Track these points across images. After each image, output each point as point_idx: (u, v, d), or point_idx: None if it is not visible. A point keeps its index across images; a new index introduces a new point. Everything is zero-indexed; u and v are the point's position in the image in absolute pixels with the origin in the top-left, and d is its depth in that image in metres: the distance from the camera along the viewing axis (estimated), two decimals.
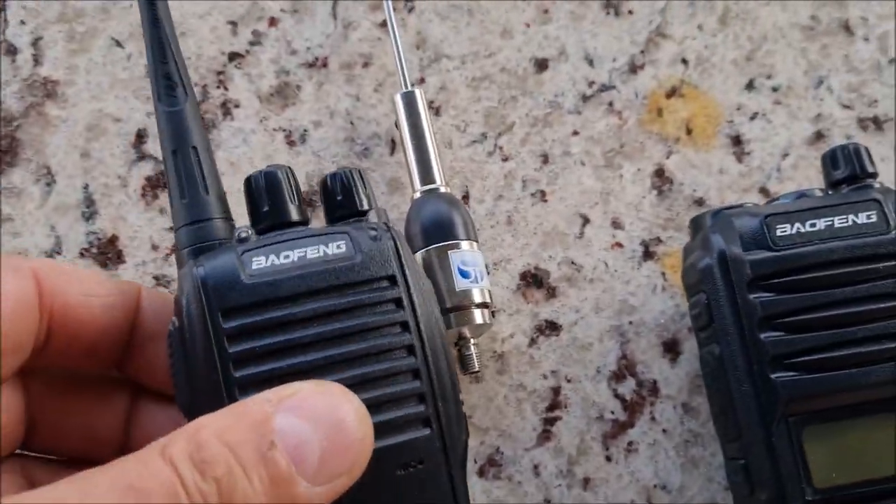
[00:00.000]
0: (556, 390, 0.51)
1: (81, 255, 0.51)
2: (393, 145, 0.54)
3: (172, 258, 0.52)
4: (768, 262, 0.44)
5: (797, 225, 0.45)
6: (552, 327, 0.52)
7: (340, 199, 0.41)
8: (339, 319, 0.37)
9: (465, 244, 0.48)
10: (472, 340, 0.48)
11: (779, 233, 0.45)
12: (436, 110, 0.54)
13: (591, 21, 0.56)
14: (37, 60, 0.53)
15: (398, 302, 0.38)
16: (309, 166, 0.53)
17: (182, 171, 0.40)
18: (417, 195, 0.49)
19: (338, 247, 0.38)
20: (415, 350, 0.37)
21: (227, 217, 0.41)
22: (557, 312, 0.52)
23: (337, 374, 0.36)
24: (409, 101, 0.51)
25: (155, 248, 0.52)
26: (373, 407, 0.35)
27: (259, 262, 0.37)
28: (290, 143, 0.53)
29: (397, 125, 0.51)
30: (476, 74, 0.55)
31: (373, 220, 0.40)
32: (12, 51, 0.53)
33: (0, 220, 0.51)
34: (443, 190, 0.49)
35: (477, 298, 0.47)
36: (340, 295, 0.37)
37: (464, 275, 0.47)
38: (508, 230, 0.53)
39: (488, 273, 0.52)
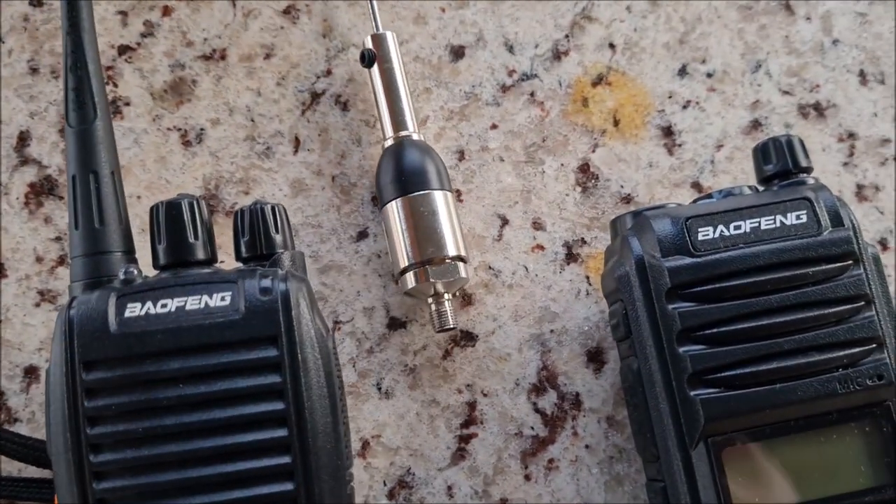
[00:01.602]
0: (472, 405, 0.47)
1: None
2: (297, 143, 0.50)
3: (59, 271, 0.48)
4: (688, 269, 0.41)
5: (720, 228, 0.41)
6: (468, 337, 0.48)
7: (247, 240, 0.38)
8: (206, 382, 0.35)
9: (438, 194, 0.45)
10: (446, 296, 0.45)
11: (700, 237, 0.41)
12: (343, 104, 0.50)
13: (511, 4, 0.52)
14: None
15: (275, 366, 0.35)
16: (206, 168, 0.49)
17: (79, 199, 0.38)
18: (389, 142, 0.47)
19: (221, 298, 0.36)
20: (288, 421, 0.34)
21: (128, 251, 0.38)
22: (473, 321, 0.49)
23: (197, 442, 0.34)
24: (380, 43, 0.48)
25: (39, 260, 0.48)
26: (234, 483, 0.33)
27: (133, 310, 0.35)
28: (186, 144, 0.50)
29: (367, 61, 0.48)
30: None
31: (283, 264, 0.38)
32: None
33: None
34: (415, 137, 0.47)
35: (451, 251, 0.45)
36: (211, 355, 0.35)
37: (437, 227, 0.45)
38: None
39: (396, 282, 0.49)
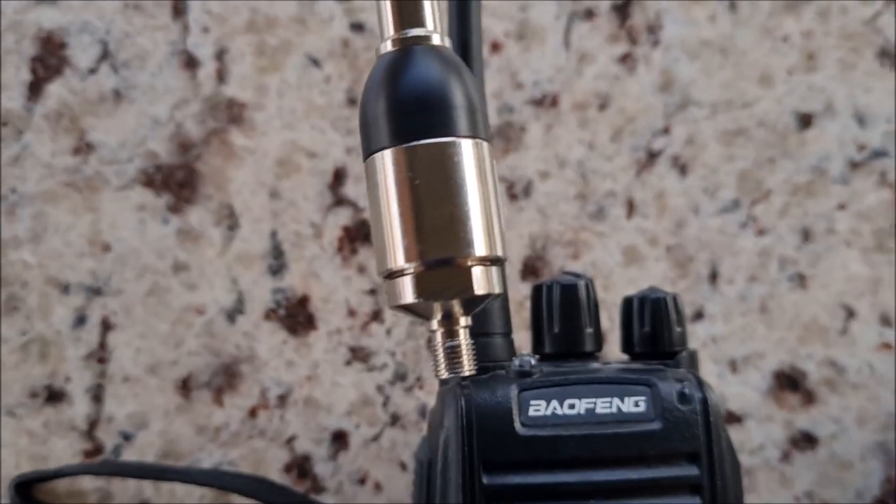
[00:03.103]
0: None
1: (267, 316, 0.44)
2: (630, 208, 0.45)
3: (372, 327, 0.44)
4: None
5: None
6: (808, 440, 0.44)
7: (648, 332, 0.34)
8: (617, 499, 0.31)
9: (466, 145, 0.26)
10: (461, 321, 0.27)
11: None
12: (681, 168, 0.46)
13: (863, 72, 0.47)
14: (221, 77, 0.45)
15: (695, 488, 0.31)
16: (532, 226, 0.45)
17: None
18: (387, 47, 0.27)
19: (635, 404, 0.32)
20: None
21: (507, 332, 0.34)
22: (815, 422, 0.44)
23: None
24: None
25: (352, 314, 0.44)
26: None
27: (538, 408, 0.31)
28: (512, 197, 0.45)
29: None
30: (729, 127, 0.46)
31: (681, 367, 0.34)
32: (192, 63, 0.45)
33: (174, 269, 0.43)
34: (436, 42, 0.27)
35: (481, 249, 0.26)
36: (626, 469, 0.31)
37: (459, 203, 0.26)
38: (762, 319, 0.45)
39: (733, 370, 0.45)
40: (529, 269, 0.45)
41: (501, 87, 0.46)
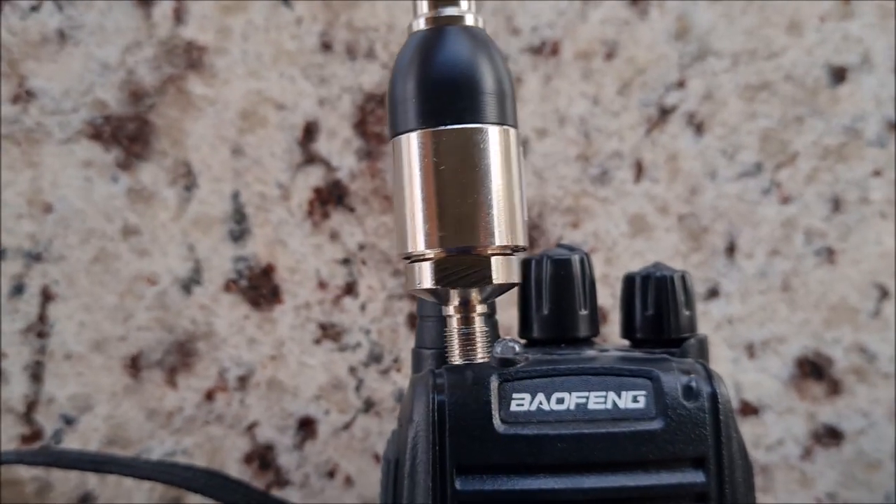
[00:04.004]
0: None
1: (227, 288, 0.39)
2: (638, 171, 0.40)
3: (343, 302, 0.39)
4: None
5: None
6: (832, 435, 0.39)
7: (651, 316, 0.30)
8: None
9: (493, 132, 0.25)
10: (478, 308, 0.27)
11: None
12: (697, 126, 0.40)
13: None
14: (178, 17, 0.39)
15: (700, 497, 0.27)
16: (529, 190, 0.40)
17: None
18: (420, 25, 0.26)
19: (634, 399, 0.28)
20: None
21: (490, 313, 0.29)
22: (841, 415, 0.39)
23: None
24: None
25: (322, 286, 0.39)
26: None
27: (521, 402, 0.28)
28: None
29: None
30: (751, 81, 0.41)
31: (688, 356, 0.30)
32: (147, 0, 0.39)
33: (123, 233, 0.39)
34: (469, 21, 0.26)
35: (502, 239, 0.26)
36: (622, 475, 0.28)
37: (483, 192, 0.26)
38: (783, 299, 0.40)
39: (751, 356, 0.40)
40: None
41: (495, 32, 0.41)
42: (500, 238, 0.26)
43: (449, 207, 0.25)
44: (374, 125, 0.40)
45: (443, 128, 0.25)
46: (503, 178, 0.26)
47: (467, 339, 0.27)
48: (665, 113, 0.41)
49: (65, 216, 0.38)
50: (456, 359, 0.27)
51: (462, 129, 0.25)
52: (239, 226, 0.39)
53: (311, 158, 0.40)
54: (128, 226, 0.39)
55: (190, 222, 0.39)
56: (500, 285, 0.26)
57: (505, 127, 0.26)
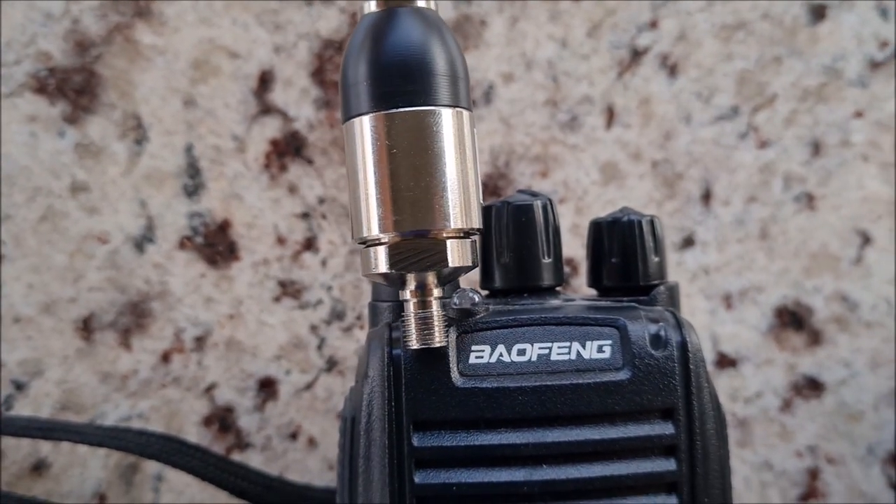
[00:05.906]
0: (814, 473, 0.37)
1: (181, 245, 0.37)
2: (610, 116, 0.39)
3: (303, 258, 0.37)
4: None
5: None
6: (813, 386, 0.38)
7: (617, 263, 0.29)
8: (578, 465, 0.27)
9: (446, 115, 0.25)
10: (434, 292, 0.26)
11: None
12: (671, 68, 0.39)
13: None
14: None
15: (669, 450, 0.27)
16: (495, 138, 0.38)
17: None
18: (371, 7, 0.26)
19: (599, 349, 0.27)
20: None
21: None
22: (821, 366, 0.38)
23: None
24: None
25: (281, 241, 0.37)
26: None
27: (480, 355, 0.27)
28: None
29: None
30: (727, 20, 0.39)
31: (657, 304, 0.29)
32: None
33: (72, 190, 0.37)
34: (421, 3, 0.26)
35: (457, 222, 0.25)
36: (587, 428, 0.27)
37: (437, 175, 0.26)
38: (761, 247, 0.39)
39: (728, 306, 0.38)
40: (490, 190, 0.38)
41: None
42: (455, 221, 0.25)
43: (403, 191, 0.25)
44: (333, 73, 0.38)
45: (395, 111, 0.25)
46: (457, 160, 0.25)
47: (424, 323, 0.26)
48: (637, 55, 0.39)
49: (10, 174, 0.37)
50: (413, 343, 0.26)
51: (415, 111, 0.25)
52: (193, 180, 0.38)
53: (266, 109, 0.38)
54: (76, 182, 0.37)
55: (141, 177, 0.37)
56: (456, 268, 0.26)
57: (458, 109, 0.25)
